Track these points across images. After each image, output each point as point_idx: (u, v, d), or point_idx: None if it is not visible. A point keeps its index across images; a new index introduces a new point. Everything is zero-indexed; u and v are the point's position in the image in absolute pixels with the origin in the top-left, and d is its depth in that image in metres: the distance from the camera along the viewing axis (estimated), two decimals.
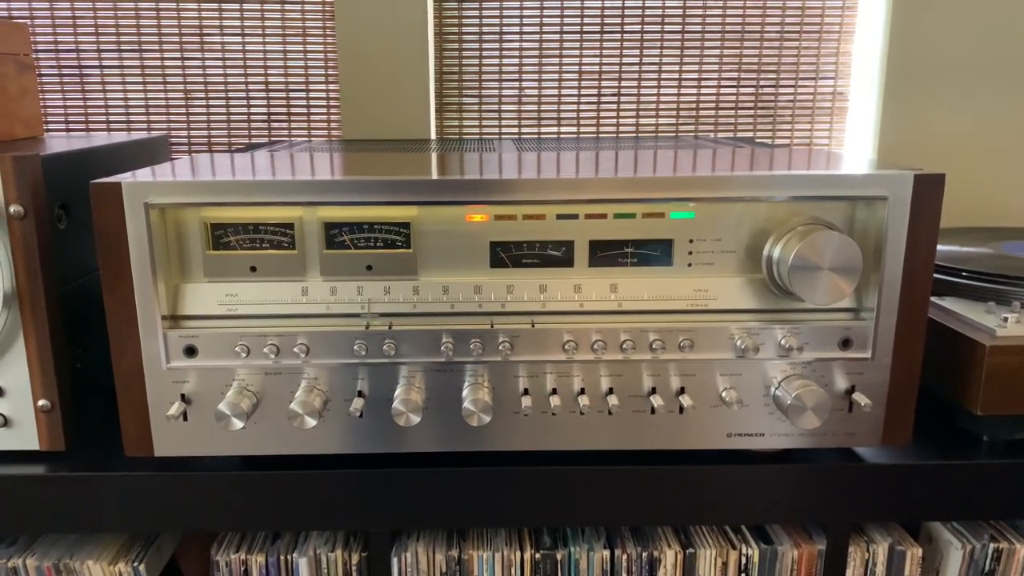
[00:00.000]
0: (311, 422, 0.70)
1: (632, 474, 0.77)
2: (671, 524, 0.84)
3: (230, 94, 1.42)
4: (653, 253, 0.74)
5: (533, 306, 0.73)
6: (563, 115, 1.49)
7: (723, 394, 0.74)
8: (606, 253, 0.74)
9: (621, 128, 1.51)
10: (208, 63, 1.41)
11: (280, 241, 0.72)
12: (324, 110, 1.43)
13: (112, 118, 1.39)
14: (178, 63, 1.40)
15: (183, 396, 0.72)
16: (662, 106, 1.50)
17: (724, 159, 0.85)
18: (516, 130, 1.49)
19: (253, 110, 1.43)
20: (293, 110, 1.43)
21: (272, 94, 1.43)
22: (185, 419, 0.73)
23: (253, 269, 0.72)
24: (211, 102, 1.42)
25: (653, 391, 0.74)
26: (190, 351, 0.71)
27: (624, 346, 0.73)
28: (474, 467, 0.76)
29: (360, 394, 0.73)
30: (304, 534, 0.85)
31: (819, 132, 1.56)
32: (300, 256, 0.72)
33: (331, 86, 1.43)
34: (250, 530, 0.84)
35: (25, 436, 0.77)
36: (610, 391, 0.74)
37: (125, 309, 0.70)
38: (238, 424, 0.70)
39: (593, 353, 0.73)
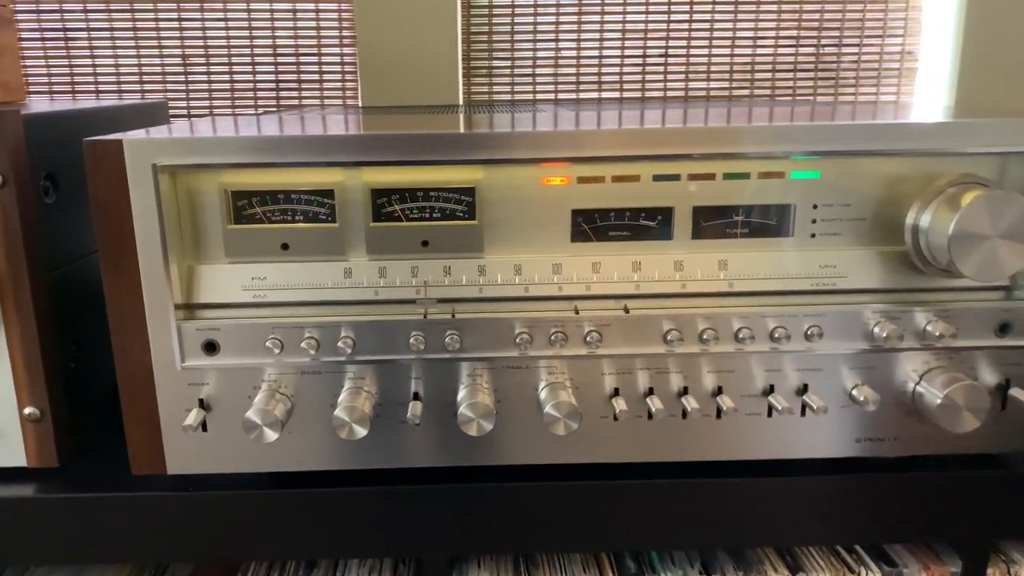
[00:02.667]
0: (360, 431, 0.58)
1: (731, 487, 0.65)
2: (777, 544, 0.73)
3: (233, 59, 1.30)
4: (769, 222, 0.63)
5: (625, 288, 0.62)
6: (604, 79, 1.36)
7: (853, 392, 0.63)
8: (713, 222, 0.62)
9: (668, 94, 1.39)
10: (208, 24, 1.28)
11: (317, 212, 0.60)
12: (339, 76, 1.31)
13: (102, 86, 1.27)
14: (175, 24, 1.28)
15: (202, 402, 0.60)
16: (714, 68, 1.38)
17: (841, 112, 0.73)
18: (552, 96, 1.37)
19: (259, 76, 1.30)
20: (304, 76, 1.31)
21: (280, 59, 1.30)
22: (204, 429, 0.61)
23: (285, 247, 0.61)
24: (212, 68, 1.29)
25: (771, 389, 0.63)
26: (210, 347, 0.59)
27: (739, 335, 0.61)
28: (547, 481, 0.64)
29: (417, 396, 0.61)
30: (343, 562, 0.73)
31: (885, 96, 1.44)
32: (342, 230, 0.60)
33: (347, 50, 1.30)
34: (280, 558, 0.72)
35: (10, 450, 0.66)
36: (719, 390, 0.63)
37: (129, 297, 0.58)
38: (271, 435, 0.58)
39: (700, 344, 0.61)
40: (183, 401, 0.61)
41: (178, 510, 0.64)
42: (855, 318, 0.62)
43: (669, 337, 0.61)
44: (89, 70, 1.25)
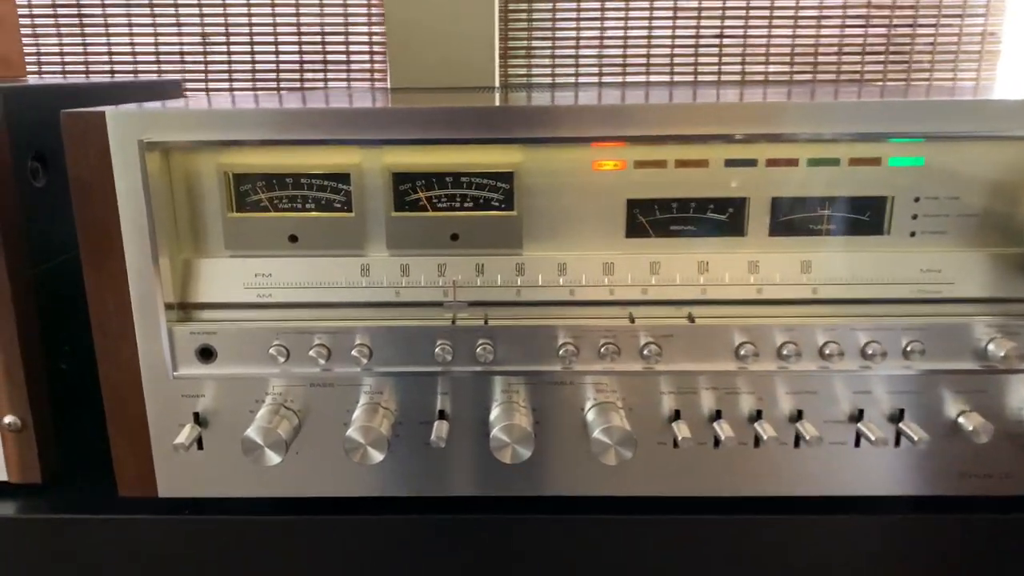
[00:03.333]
0: (376, 455, 0.50)
1: (811, 527, 0.56)
2: None
3: (255, 38, 1.22)
4: (862, 217, 0.53)
5: (689, 293, 0.53)
6: (653, 61, 1.27)
7: (960, 420, 0.53)
8: (795, 216, 0.53)
9: (723, 78, 1.29)
10: (229, 2, 1.21)
11: (331, 200, 0.52)
12: (367, 56, 1.23)
13: (117, 67, 1.20)
14: (194, 1, 1.21)
15: (197, 416, 0.53)
16: (773, 50, 1.28)
17: (937, 92, 0.63)
18: (596, 79, 1.27)
19: (282, 57, 1.23)
20: (330, 56, 1.23)
21: (305, 38, 1.23)
22: (200, 447, 0.54)
23: (293, 239, 0.53)
24: (233, 47, 1.22)
25: (860, 415, 0.53)
26: (206, 354, 0.52)
27: (825, 351, 0.52)
28: (593, 515, 0.56)
29: (443, 415, 0.53)
30: None
31: (963, 81, 1.32)
32: (359, 220, 0.52)
33: (375, 28, 1.22)
34: None
35: None
36: (798, 415, 0.53)
37: (114, 295, 0.51)
38: (274, 458, 0.50)
39: (778, 361, 0.52)
40: (176, 415, 0.53)
41: (173, 536, 0.57)
42: (963, 333, 0.53)
43: (742, 352, 0.52)
44: (104, 49, 1.19)
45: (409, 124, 0.50)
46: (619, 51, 1.26)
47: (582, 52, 1.26)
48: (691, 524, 0.56)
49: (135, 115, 0.49)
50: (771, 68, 1.28)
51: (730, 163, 0.53)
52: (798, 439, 0.54)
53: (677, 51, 1.26)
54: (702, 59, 1.27)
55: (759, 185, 0.53)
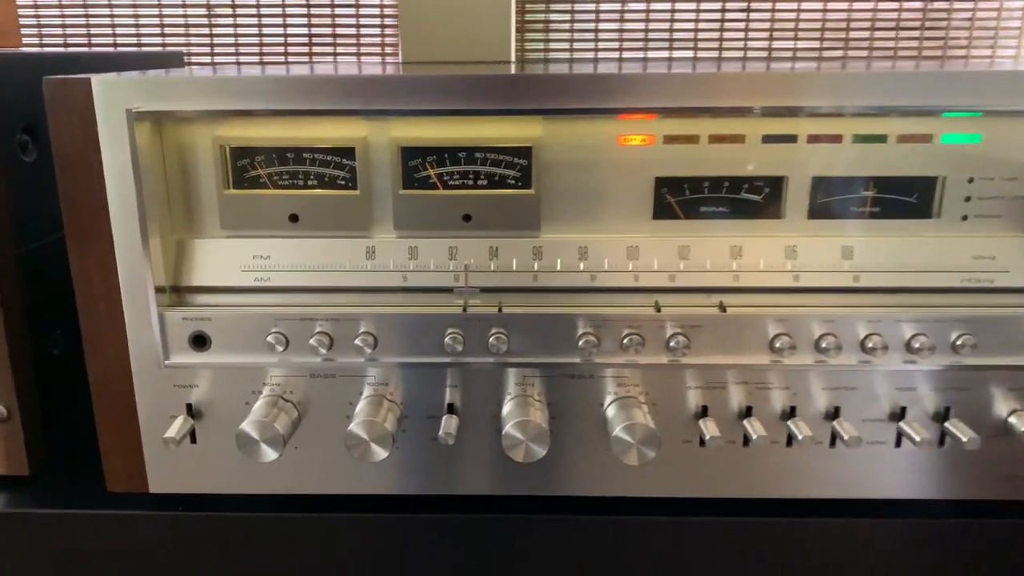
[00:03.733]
0: (380, 452, 0.47)
1: (846, 529, 0.52)
2: None
3: (262, 11, 1.19)
4: (908, 199, 0.49)
5: (721, 279, 0.49)
6: (676, 36, 1.22)
7: (1011, 419, 0.49)
8: (837, 197, 0.49)
9: (749, 54, 1.24)
10: None
11: (334, 176, 0.49)
12: (378, 31, 1.19)
13: (120, 39, 1.17)
14: None
15: (190, 408, 0.50)
16: (802, 26, 1.23)
17: (998, 65, 0.59)
18: (616, 55, 1.23)
19: (290, 30, 1.19)
20: (339, 30, 1.19)
21: (314, 11, 1.19)
22: (193, 441, 0.51)
23: (294, 219, 0.49)
24: (239, 20, 1.19)
25: (902, 413, 0.50)
26: (199, 341, 0.49)
27: (867, 344, 0.48)
28: (610, 516, 0.52)
29: (452, 409, 0.50)
30: None
31: (1002, 58, 1.26)
32: (364, 199, 0.49)
33: (387, 0, 1.18)
34: None
35: None
36: (835, 412, 0.50)
37: (101, 277, 0.48)
38: (270, 454, 0.47)
39: (816, 354, 0.48)
40: (167, 406, 0.50)
41: (165, 533, 0.54)
42: (1017, 325, 0.49)
43: (776, 344, 0.48)
44: (107, 21, 1.16)
45: (420, 94, 0.46)
46: (641, 25, 1.21)
47: (602, 26, 1.21)
48: (717, 527, 0.53)
49: (123, 82, 0.45)
50: (800, 44, 1.23)
51: (768, 139, 0.49)
52: (834, 438, 0.50)
53: (701, 25, 1.22)
54: (727, 34, 1.22)
55: (799, 163, 0.49)
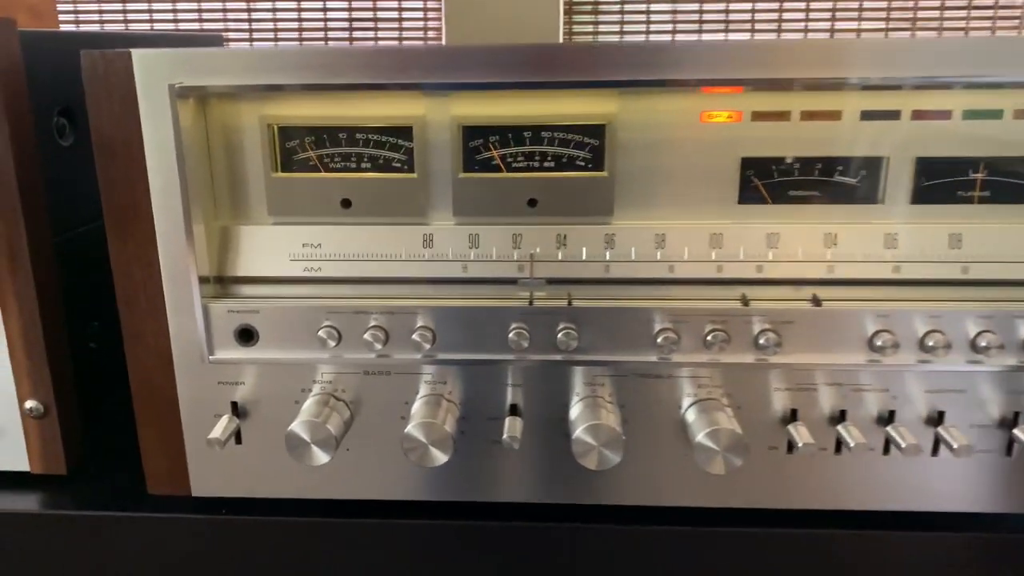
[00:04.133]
0: (440, 456, 0.43)
1: (956, 545, 0.48)
2: None
3: None
4: (1022, 183, 0.44)
5: (814, 271, 0.45)
6: (732, 18, 1.17)
7: None
8: (944, 180, 0.45)
9: (809, 36, 1.19)
10: None
11: (390, 159, 0.45)
12: (420, 13, 1.15)
13: (156, 24, 1.15)
14: None
15: (235, 407, 0.47)
16: (867, 5, 1.17)
17: None
18: (669, 36, 1.18)
19: (330, 14, 1.16)
20: (380, 13, 1.16)
21: None
22: (238, 442, 0.48)
23: (346, 204, 0.46)
24: (278, 3, 1.16)
25: (1015, 419, 0.45)
26: (246, 335, 0.46)
27: (977, 343, 0.43)
28: (687, 527, 0.48)
29: (514, 410, 0.46)
30: None
31: None
32: (422, 182, 0.45)
33: None
34: None
35: (11, 451, 0.55)
36: (939, 418, 0.45)
37: (142, 267, 0.45)
38: (322, 457, 0.44)
39: (920, 353, 0.44)
40: (212, 405, 0.47)
41: (207, 538, 0.51)
42: None
43: (877, 342, 0.44)
44: (144, 5, 1.14)
45: (486, 66, 0.42)
46: (695, 6, 1.16)
47: (654, 7, 1.16)
48: (809, 540, 0.48)
49: (166, 56, 0.42)
50: (864, 25, 1.17)
51: (868, 115, 0.44)
52: (937, 446, 0.46)
53: (759, 5, 1.16)
54: (786, 14, 1.16)
55: (901, 142, 0.45)
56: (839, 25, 1.13)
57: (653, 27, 1.15)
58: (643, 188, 0.46)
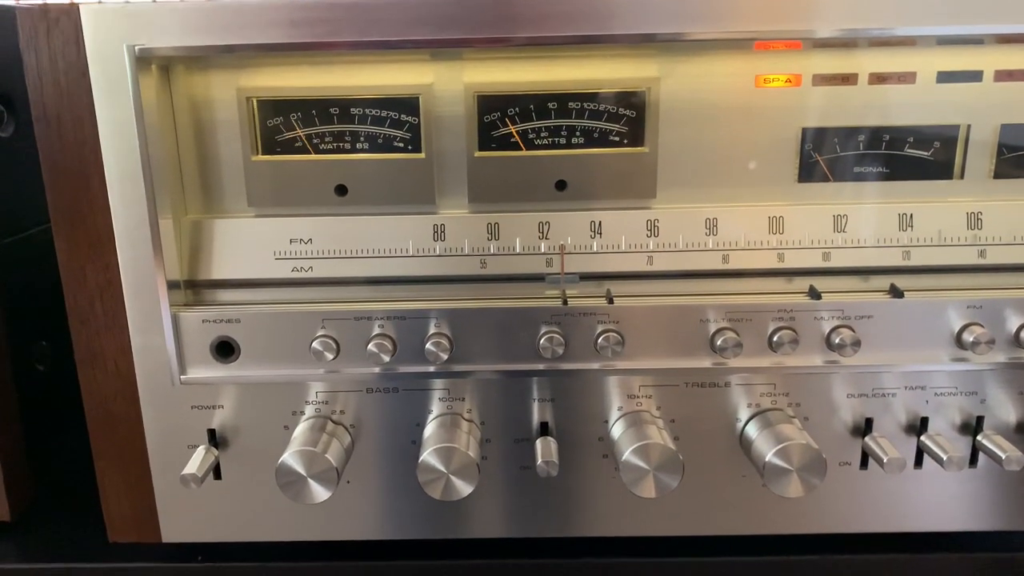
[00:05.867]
0: (464, 488, 0.37)
1: None
2: None
3: None
4: None
5: (889, 257, 0.39)
6: None
7: None
8: None
9: None
10: None
11: (392, 136, 0.38)
12: None
13: None
14: None
15: (212, 435, 0.39)
16: None
17: None
18: None
19: None
20: None
21: None
22: (217, 476, 0.40)
23: (341, 191, 0.39)
24: None
25: None
26: (224, 349, 0.38)
27: None
28: (757, 557, 0.42)
29: (545, 430, 0.39)
30: None
31: None
32: (429, 164, 0.39)
33: None
34: None
35: None
36: None
37: (96, 272, 0.37)
38: (321, 493, 0.37)
39: (1014, 349, 0.38)
40: (184, 434, 0.40)
41: None
42: None
43: (967, 337, 0.38)
44: None
45: (504, 20, 0.36)
46: None
47: None
48: (890, 567, 0.42)
49: (122, 12, 0.35)
50: None
51: (945, 76, 0.39)
52: None
53: None
54: None
55: (980, 109, 0.39)
56: None
57: None
58: (690, 165, 0.40)
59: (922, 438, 0.40)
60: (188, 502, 0.42)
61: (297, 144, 0.40)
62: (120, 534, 0.42)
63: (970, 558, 0.43)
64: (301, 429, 0.39)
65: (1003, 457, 0.38)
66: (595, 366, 0.39)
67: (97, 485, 0.43)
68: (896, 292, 0.39)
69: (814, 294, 0.39)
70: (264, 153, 0.40)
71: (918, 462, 0.41)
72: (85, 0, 0.36)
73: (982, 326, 0.38)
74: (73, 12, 0.35)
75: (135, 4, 0.35)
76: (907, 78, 0.39)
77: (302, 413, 0.40)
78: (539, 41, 0.36)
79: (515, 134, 0.40)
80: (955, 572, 0.43)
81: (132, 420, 0.40)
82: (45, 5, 0.35)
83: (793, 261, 0.40)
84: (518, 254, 0.40)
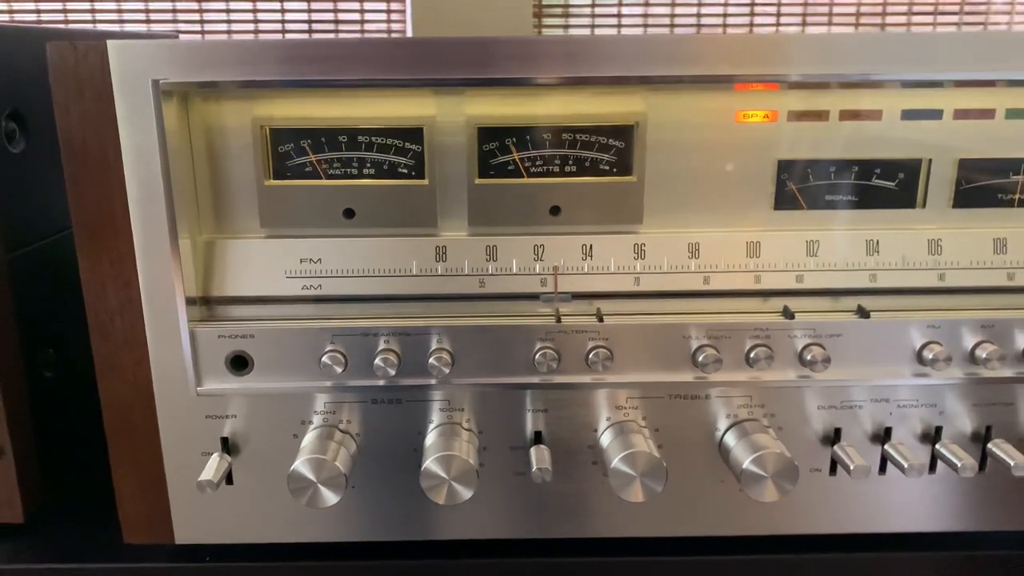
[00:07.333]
0: (464, 493, 0.40)
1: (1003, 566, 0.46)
2: None
3: None
4: None
5: (856, 279, 0.42)
6: (704, 22, 1.16)
7: None
8: (986, 183, 0.43)
9: None
10: None
11: (397, 164, 0.41)
12: (383, 16, 1.11)
13: (99, 20, 1.08)
14: None
15: (225, 443, 0.42)
16: (837, 10, 1.17)
17: None
18: None
19: (288, 16, 1.11)
20: (341, 9, 1.11)
21: None
22: (230, 482, 0.43)
23: (349, 214, 0.42)
24: (232, 3, 1.10)
25: None
26: (239, 363, 0.41)
27: None
28: (735, 556, 0.45)
29: (539, 438, 0.42)
30: None
31: None
32: (431, 190, 0.41)
33: None
34: None
35: None
36: (987, 433, 0.43)
37: (117, 288, 0.40)
38: (331, 497, 0.39)
39: (969, 366, 0.42)
40: (198, 442, 0.43)
41: None
42: None
43: (927, 354, 0.41)
44: (86, 4, 1.07)
45: (508, 59, 0.39)
46: (666, 9, 1.15)
47: (625, 10, 1.15)
48: (858, 565, 0.46)
49: (147, 48, 0.38)
50: (834, 29, 1.17)
51: (909, 114, 0.42)
52: (984, 461, 0.44)
53: (731, 10, 1.16)
54: (758, 19, 1.16)
55: (942, 143, 0.43)
56: (810, 31, 1.13)
57: (626, 30, 1.13)
58: (675, 193, 0.43)
59: (886, 447, 0.43)
60: (200, 505, 0.44)
61: (307, 169, 0.42)
62: (135, 535, 0.45)
63: (930, 556, 0.46)
64: (310, 438, 0.42)
65: (959, 465, 0.42)
66: (586, 379, 0.43)
67: (104, 488, 0.45)
68: (863, 313, 0.42)
69: (788, 314, 0.42)
70: (276, 178, 0.42)
71: (882, 469, 0.44)
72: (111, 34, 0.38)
73: (941, 344, 0.42)
74: (101, 48, 0.37)
75: (158, 43, 0.38)
76: (874, 115, 0.42)
77: (311, 423, 0.43)
78: (534, 82, 0.39)
79: (517, 161, 0.43)
80: (916, 569, 0.47)
81: (149, 429, 0.43)
82: (75, 43, 0.37)
83: (769, 283, 0.43)
84: (515, 274, 0.43)
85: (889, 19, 1.16)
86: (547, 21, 1.12)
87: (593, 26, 1.13)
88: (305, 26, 1.09)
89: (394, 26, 1.11)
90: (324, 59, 0.39)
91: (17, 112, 0.51)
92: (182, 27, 1.08)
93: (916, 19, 1.15)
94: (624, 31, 1.14)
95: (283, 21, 1.07)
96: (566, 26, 1.13)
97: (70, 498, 0.52)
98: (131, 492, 0.44)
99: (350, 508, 0.44)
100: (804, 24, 1.14)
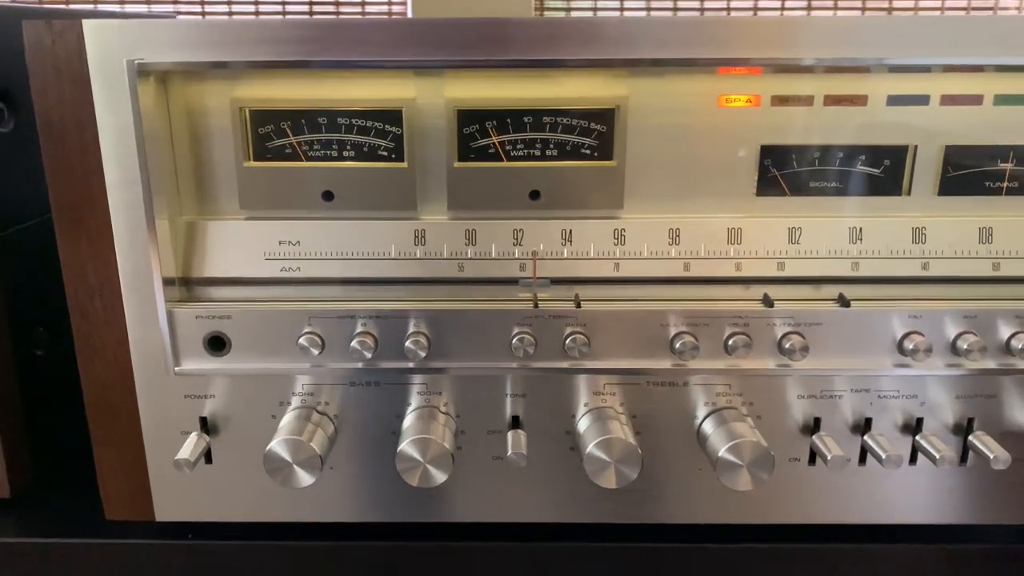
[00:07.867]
0: (438, 476, 0.40)
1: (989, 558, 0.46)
2: None
3: None
4: None
5: (838, 268, 0.42)
6: (707, 6, 1.14)
7: None
8: (971, 170, 0.42)
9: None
10: None
11: (376, 146, 0.41)
12: None
13: (101, 4, 1.08)
14: None
15: (204, 422, 0.42)
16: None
17: None
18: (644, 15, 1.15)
19: None
20: None
21: None
22: (208, 461, 0.43)
23: (328, 197, 0.42)
24: None
25: None
26: (217, 343, 0.41)
27: (1012, 344, 0.41)
28: (710, 544, 0.45)
29: (516, 423, 0.42)
30: None
31: None
32: (413, 172, 0.41)
33: None
34: None
35: None
36: (968, 425, 0.43)
37: (96, 268, 0.40)
38: (306, 478, 0.40)
39: (951, 356, 0.41)
40: (178, 421, 0.43)
41: (172, 566, 0.46)
42: None
43: (908, 345, 0.41)
44: None
45: (484, 43, 0.38)
46: (670, 1, 1.13)
47: (627, 4, 1.13)
48: (831, 555, 0.46)
49: (123, 28, 0.37)
50: (839, 15, 1.15)
51: (895, 100, 0.41)
52: (965, 453, 0.43)
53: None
54: (762, 2, 1.14)
55: (928, 130, 0.42)
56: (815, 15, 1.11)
57: (629, 3, 1.12)
58: (655, 178, 0.43)
59: (865, 437, 0.43)
60: (180, 484, 0.44)
61: (287, 151, 0.42)
62: (116, 512, 0.45)
63: (911, 549, 0.46)
64: (288, 419, 0.42)
65: (938, 457, 0.41)
66: (563, 365, 0.42)
67: (92, 466, 0.45)
68: (843, 302, 0.42)
69: (767, 302, 0.41)
70: (256, 159, 0.42)
71: (862, 460, 0.44)
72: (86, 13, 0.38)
73: (922, 335, 0.41)
74: (76, 27, 0.37)
75: (134, 22, 0.38)
76: (859, 100, 0.42)
77: (289, 404, 0.43)
78: (515, 64, 0.38)
79: (496, 145, 0.42)
80: (897, 561, 0.46)
81: (129, 408, 0.43)
82: (51, 22, 0.37)
83: (750, 270, 0.42)
84: (494, 259, 0.43)
85: (896, 4, 1.14)
86: (549, 3, 1.11)
87: (596, 9, 1.12)
88: (306, 6, 1.09)
89: (395, 8, 1.10)
90: (299, 40, 0.38)
91: (5, 91, 0.51)
92: (182, 9, 1.07)
93: (923, 3, 1.13)
94: (628, 3, 1.13)
95: (284, 3, 1.07)
96: (568, 8, 1.12)
97: (59, 474, 0.52)
98: (112, 470, 0.44)
99: (330, 489, 0.44)
100: (809, 9, 1.13)
